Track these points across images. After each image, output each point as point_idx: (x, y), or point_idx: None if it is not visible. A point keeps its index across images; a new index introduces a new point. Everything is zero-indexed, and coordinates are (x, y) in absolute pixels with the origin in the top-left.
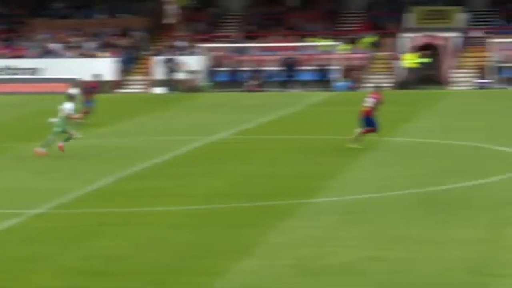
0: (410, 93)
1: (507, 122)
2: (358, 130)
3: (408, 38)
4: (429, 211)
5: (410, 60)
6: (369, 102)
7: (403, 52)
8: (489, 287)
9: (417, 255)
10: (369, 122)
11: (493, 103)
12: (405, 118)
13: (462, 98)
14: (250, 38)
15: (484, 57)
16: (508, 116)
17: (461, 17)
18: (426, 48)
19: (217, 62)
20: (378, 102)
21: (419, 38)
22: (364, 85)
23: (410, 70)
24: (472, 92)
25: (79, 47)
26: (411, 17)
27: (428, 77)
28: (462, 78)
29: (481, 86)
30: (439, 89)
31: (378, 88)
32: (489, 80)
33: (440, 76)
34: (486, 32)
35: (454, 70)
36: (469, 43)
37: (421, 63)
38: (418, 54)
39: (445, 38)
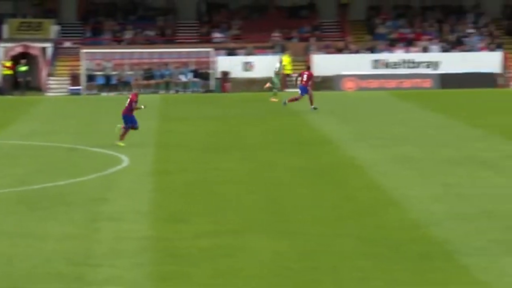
0: (8, 99)
1: (98, 123)
2: (120, 126)
3: (4, 48)
4: (30, 208)
5: (6, 68)
6: (128, 102)
7: (1, 61)
8: (85, 275)
9: (20, 249)
10: (128, 120)
11: (85, 107)
12: (4, 122)
13: (57, 103)
14: None
15: (77, 66)
16: (100, 118)
17: (53, 29)
18: (23, 57)
19: None
20: (135, 102)
21: (15, 47)
22: None
23: (7, 77)
24: (66, 98)
25: None
26: (6, 28)
27: (27, 84)
28: (56, 85)
29: (74, 92)
30: (37, 95)
31: (137, 90)
32: (81, 87)
33: (38, 83)
34: (76, 43)
35: (49, 78)
36: (62, 53)
37: (18, 71)
38: (14, 62)
39: (40, 48)
